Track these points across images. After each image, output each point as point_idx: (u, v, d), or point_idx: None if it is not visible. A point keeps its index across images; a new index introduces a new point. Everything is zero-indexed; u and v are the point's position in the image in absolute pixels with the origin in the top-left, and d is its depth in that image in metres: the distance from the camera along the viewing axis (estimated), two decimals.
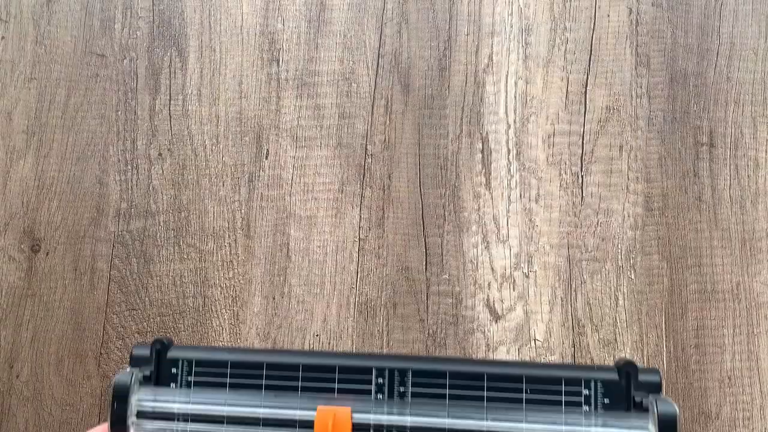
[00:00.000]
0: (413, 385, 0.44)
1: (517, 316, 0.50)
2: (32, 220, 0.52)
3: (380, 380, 0.44)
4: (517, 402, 0.43)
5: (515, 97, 0.52)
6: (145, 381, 0.46)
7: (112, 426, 0.45)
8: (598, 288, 0.50)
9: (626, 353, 0.50)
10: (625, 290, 0.50)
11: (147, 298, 0.51)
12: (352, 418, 0.42)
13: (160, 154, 0.53)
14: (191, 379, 0.45)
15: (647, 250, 0.51)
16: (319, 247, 0.51)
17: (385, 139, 0.52)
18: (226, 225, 0.52)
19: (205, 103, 0.53)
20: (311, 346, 0.51)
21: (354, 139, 0.53)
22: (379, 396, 0.44)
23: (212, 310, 0.51)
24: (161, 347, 0.47)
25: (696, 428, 0.49)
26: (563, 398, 0.43)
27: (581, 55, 0.52)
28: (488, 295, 0.51)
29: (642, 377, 0.43)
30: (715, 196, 0.51)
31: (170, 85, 0.54)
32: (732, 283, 0.50)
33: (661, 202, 0.51)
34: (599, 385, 0.43)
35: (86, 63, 0.54)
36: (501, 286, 0.51)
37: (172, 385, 0.45)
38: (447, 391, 0.44)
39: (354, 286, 0.51)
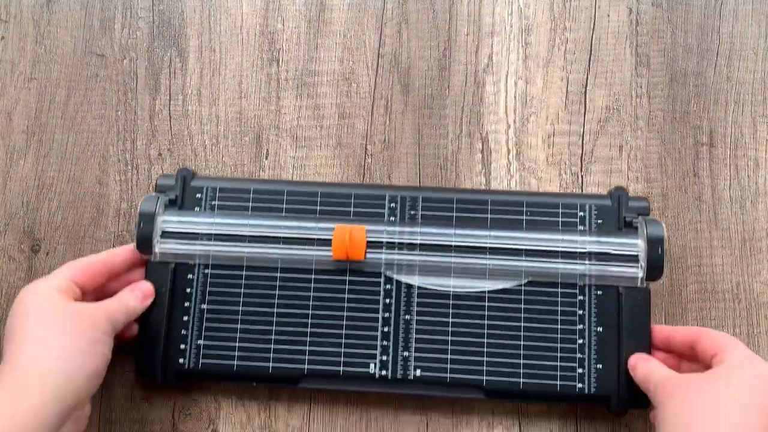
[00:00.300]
0: (423, 209, 0.49)
1: None
2: (32, 220, 0.52)
3: (393, 205, 0.49)
4: (517, 223, 0.48)
5: (515, 97, 0.52)
6: (171, 205, 0.49)
7: (138, 246, 0.49)
8: None
9: None
10: None
11: None
12: (366, 235, 0.47)
13: (160, 154, 0.53)
14: (215, 203, 0.49)
15: None
16: None
17: (385, 139, 0.52)
18: None
19: (204, 103, 0.53)
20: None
21: (354, 139, 0.53)
22: (392, 218, 0.49)
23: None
24: (186, 175, 0.49)
25: None
26: (560, 219, 0.48)
27: (581, 55, 0.52)
28: None
29: (632, 203, 0.48)
30: (715, 196, 0.51)
31: (170, 85, 0.54)
32: (732, 283, 0.50)
33: (661, 202, 0.51)
34: (593, 208, 0.48)
35: (86, 63, 0.54)
36: None
37: (197, 209, 0.49)
38: (454, 214, 0.49)
39: None
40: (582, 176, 0.51)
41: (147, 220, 0.47)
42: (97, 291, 0.46)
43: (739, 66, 0.52)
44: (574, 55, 0.52)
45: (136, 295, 0.46)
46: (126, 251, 0.47)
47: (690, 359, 0.45)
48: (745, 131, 0.51)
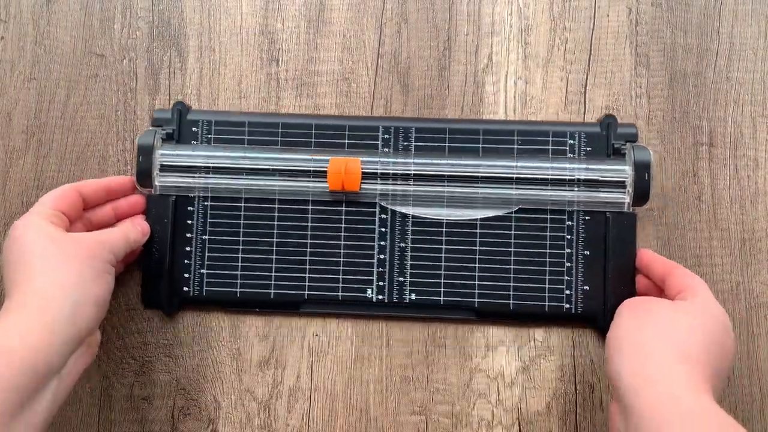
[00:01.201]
0: (416, 140, 0.50)
1: None
2: None
3: (386, 136, 0.50)
4: (509, 152, 0.50)
5: (515, 97, 0.52)
6: (168, 139, 0.51)
7: (138, 180, 0.50)
8: None
9: None
10: None
11: None
12: (361, 166, 0.48)
13: None
14: (211, 137, 0.51)
15: None
16: None
17: None
18: None
19: (204, 104, 0.53)
20: (311, 346, 0.51)
21: None
22: (386, 149, 0.50)
23: (212, 310, 0.51)
24: (182, 108, 0.51)
25: None
26: (550, 147, 0.50)
27: (581, 55, 0.52)
28: None
29: (621, 130, 0.50)
30: (714, 195, 0.51)
31: (170, 85, 0.54)
32: (732, 283, 0.50)
33: (661, 202, 0.51)
34: (582, 135, 0.50)
35: (86, 63, 0.54)
36: None
37: (193, 143, 0.51)
38: (446, 144, 0.50)
39: None
40: None
41: (146, 153, 0.49)
42: (78, 220, 0.47)
43: (739, 66, 0.52)
44: (573, 55, 0.52)
45: (137, 229, 0.47)
46: (100, 181, 0.49)
47: (661, 291, 0.46)
48: (745, 131, 0.51)
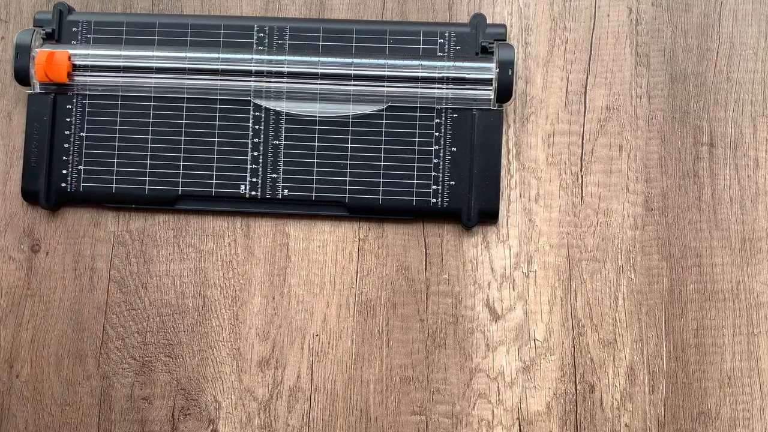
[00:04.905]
0: (290, 39, 0.51)
1: (517, 316, 0.50)
2: (32, 220, 0.52)
3: (261, 35, 0.51)
4: (380, 51, 0.51)
5: (515, 97, 0.52)
6: (48, 38, 0.52)
7: (16, 78, 0.50)
8: (597, 288, 0.50)
9: (626, 353, 0.50)
10: (625, 290, 0.50)
11: (147, 298, 0.51)
12: (235, 63, 0.50)
13: None
14: (90, 36, 0.52)
15: (647, 249, 0.51)
16: (319, 246, 0.52)
17: None
18: (226, 225, 0.52)
19: None
20: (311, 346, 0.51)
21: None
22: (260, 48, 0.51)
23: (212, 310, 0.51)
24: (63, 9, 0.52)
25: (696, 428, 0.49)
26: (421, 47, 0.51)
27: (581, 54, 0.52)
28: (488, 295, 0.51)
29: (489, 29, 0.51)
30: (715, 195, 0.51)
31: None
32: (732, 283, 0.50)
33: (661, 202, 0.51)
34: (452, 35, 0.51)
35: None
36: (501, 286, 0.51)
37: (73, 42, 0.52)
38: (320, 43, 0.51)
39: (354, 286, 0.51)
40: (582, 176, 0.51)
41: (23, 51, 0.50)
42: None
43: (739, 66, 0.52)
44: (574, 55, 0.52)
45: None
46: None
47: None
48: (745, 131, 0.51)
